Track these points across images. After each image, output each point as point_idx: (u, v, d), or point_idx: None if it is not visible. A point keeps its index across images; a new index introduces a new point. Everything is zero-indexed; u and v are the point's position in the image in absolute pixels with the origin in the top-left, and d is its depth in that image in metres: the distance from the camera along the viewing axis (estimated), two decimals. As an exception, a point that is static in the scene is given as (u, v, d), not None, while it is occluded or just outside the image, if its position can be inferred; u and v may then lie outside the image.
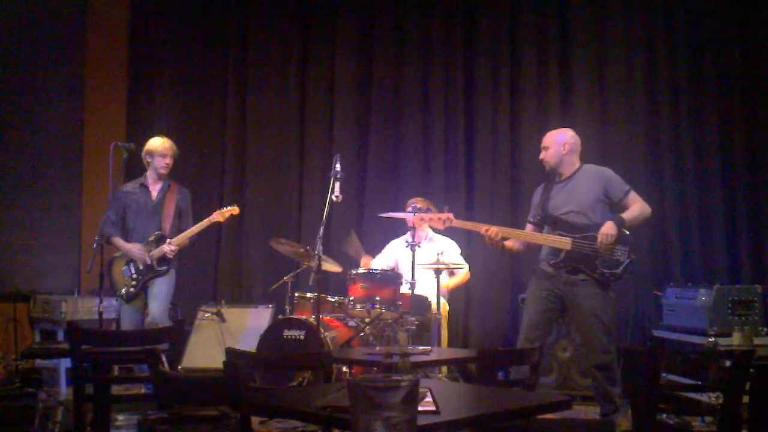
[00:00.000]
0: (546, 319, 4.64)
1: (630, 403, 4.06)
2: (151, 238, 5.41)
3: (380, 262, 5.95)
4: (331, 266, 5.68)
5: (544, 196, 4.74)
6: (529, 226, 4.79)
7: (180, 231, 5.48)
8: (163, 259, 5.39)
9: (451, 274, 5.86)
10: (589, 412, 4.88)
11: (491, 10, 6.72)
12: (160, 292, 5.36)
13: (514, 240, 4.75)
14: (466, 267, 5.83)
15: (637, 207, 4.58)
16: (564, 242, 4.52)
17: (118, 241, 5.41)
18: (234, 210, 5.64)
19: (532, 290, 4.71)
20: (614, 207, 4.60)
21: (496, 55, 6.68)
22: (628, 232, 4.52)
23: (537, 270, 4.73)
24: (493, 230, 4.61)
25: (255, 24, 7.23)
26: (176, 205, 5.51)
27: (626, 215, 4.52)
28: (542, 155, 4.76)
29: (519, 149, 6.51)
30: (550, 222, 4.64)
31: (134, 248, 5.36)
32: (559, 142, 4.70)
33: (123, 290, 5.38)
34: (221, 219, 5.60)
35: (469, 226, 4.89)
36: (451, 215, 4.77)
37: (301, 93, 7.12)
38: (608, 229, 4.44)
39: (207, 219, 5.52)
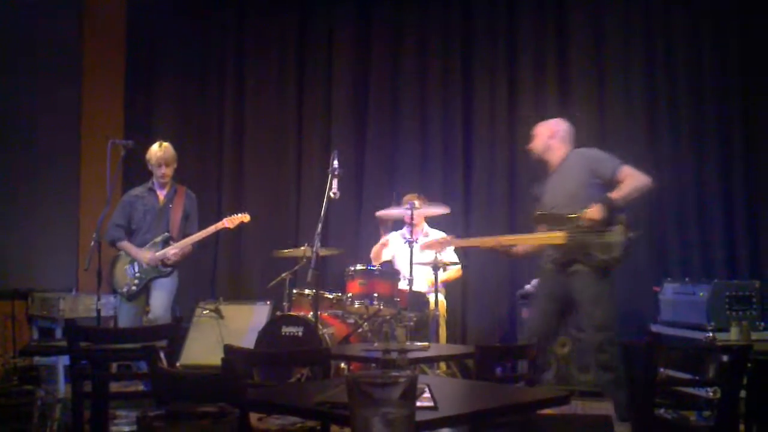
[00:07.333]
0: (548, 319, 4.65)
1: (628, 397, 4.08)
2: (158, 239, 5.39)
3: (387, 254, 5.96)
4: (329, 251, 5.69)
5: (540, 192, 4.77)
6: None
7: (186, 235, 5.46)
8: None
9: (444, 269, 5.86)
10: (588, 407, 4.87)
11: (489, 3, 6.72)
12: (164, 288, 5.35)
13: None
14: (459, 264, 5.85)
15: (628, 182, 4.44)
16: (558, 237, 4.51)
17: (126, 245, 5.38)
18: (245, 217, 5.61)
19: (537, 291, 4.76)
20: (609, 185, 4.50)
21: (494, 49, 6.68)
22: (624, 215, 4.44)
23: (540, 268, 4.75)
24: (499, 241, 4.69)
25: (252, 22, 7.24)
26: (183, 209, 5.49)
27: (615, 194, 4.41)
28: (530, 144, 4.79)
29: (517, 144, 6.50)
30: (541, 221, 4.66)
31: (144, 255, 5.32)
32: (546, 130, 4.72)
33: (125, 288, 5.37)
34: (231, 225, 5.58)
35: (468, 243, 5.00)
36: (449, 238, 5.07)
37: (299, 89, 7.12)
38: (591, 213, 4.39)
39: (215, 225, 5.51)
